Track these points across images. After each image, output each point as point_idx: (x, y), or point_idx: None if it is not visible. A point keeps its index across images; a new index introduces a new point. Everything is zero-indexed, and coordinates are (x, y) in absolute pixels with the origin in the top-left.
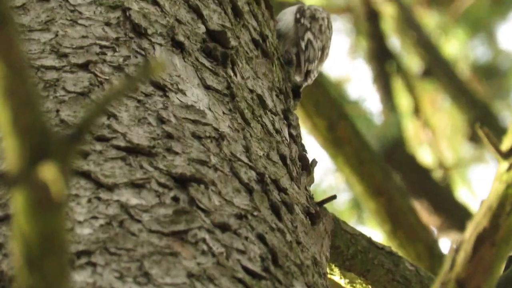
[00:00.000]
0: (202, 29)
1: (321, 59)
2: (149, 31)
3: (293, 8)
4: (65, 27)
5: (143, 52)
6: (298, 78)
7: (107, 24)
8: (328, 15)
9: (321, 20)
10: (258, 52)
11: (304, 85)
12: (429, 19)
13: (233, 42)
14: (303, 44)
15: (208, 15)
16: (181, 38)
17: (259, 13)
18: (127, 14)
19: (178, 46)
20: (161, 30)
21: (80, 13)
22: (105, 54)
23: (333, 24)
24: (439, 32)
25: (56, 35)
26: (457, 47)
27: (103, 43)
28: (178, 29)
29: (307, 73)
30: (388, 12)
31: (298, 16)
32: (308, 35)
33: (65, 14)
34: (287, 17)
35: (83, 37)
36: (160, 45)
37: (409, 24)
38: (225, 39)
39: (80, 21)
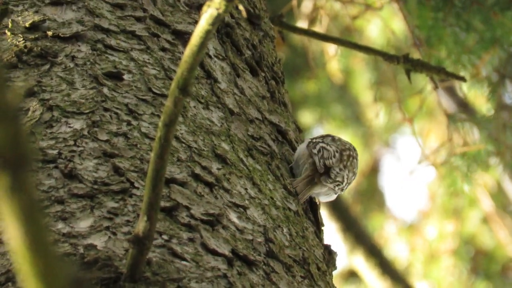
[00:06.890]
0: None
1: (342, 160)
2: None
3: (304, 142)
4: None
5: None
6: (323, 181)
7: None
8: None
9: (330, 136)
10: None
11: (332, 188)
12: None
13: None
14: (316, 151)
15: None
16: None
17: None
18: None
19: None
20: None
21: None
22: None
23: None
24: None
25: None
26: None
27: None
28: None
29: (328, 171)
30: None
31: (308, 142)
32: (320, 144)
33: None
34: (300, 146)
35: None
36: None
37: None
38: None
39: None
